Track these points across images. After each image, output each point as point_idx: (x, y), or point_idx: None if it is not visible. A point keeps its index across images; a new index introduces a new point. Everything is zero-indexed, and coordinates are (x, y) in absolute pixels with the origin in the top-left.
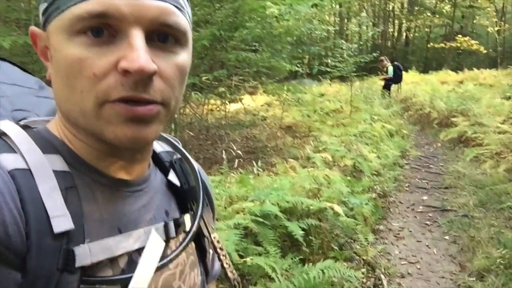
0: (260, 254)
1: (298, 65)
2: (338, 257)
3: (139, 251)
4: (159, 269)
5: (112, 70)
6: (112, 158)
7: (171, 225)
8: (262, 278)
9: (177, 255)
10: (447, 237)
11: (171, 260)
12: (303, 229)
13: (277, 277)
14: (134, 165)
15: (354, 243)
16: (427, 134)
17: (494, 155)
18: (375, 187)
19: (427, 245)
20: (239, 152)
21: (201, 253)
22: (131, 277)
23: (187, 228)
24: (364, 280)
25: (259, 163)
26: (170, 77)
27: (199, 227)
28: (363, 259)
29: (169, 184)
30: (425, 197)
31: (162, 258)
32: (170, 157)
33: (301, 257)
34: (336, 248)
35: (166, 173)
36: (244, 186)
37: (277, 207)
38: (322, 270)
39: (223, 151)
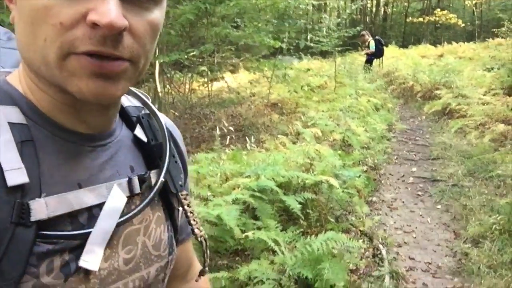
0: (259, 229)
1: (282, 40)
2: (336, 229)
3: (100, 206)
4: (121, 224)
5: (80, 22)
6: (74, 111)
7: (135, 181)
8: (265, 251)
9: (140, 211)
10: (439, 206)
11: (134, 215)
12: (300, 203)
13: (281, 250)
14: (98, 119)
15: (349, 215)
16: (411, 108)
17: (478, 125)
18: (366, 160)
19: (421, 215)
20: (231, 128)
21: (169, 210)
22: (90, 232)
23: (153, 184)
24: (363, 251)
25: (252, 139)
26: (141, 34)
27: (165, 183)
28: (360, 230)
29: (136, 139)
30: (414, 169)
31: (125, 213)
32: (138, 112)
33: (301, 230)
34: (332, 220)
35: (132, 128)
36: (238, 162)
37: (273, 182)
38: (325, 241)
39: (216, 128)
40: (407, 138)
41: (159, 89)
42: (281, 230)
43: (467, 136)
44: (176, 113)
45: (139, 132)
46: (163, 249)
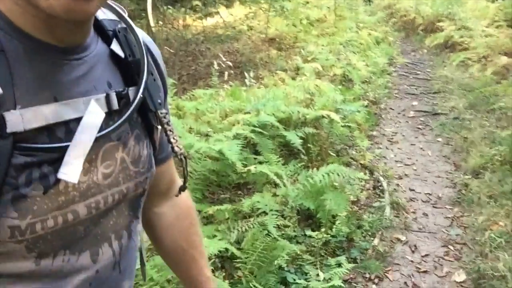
0: (261, 163)
1: None
2: (337, 163)
3: (78, 120)
4: (100, 139)
5: None
6: (47, 26)
7: (113, 96)
8: (267, 185)
9: (119, 126)
10: (440, 139)
11: (112, 131)
12: (300, 138)
13: (283, 183)
14: (72, 34)
15: (350, 149)
16: (413, 41)
17: (481, 58)
18: (367, 94)
19: (421, 148)
20: (229, 63)
21: (148, 128)
22: (68, 146)
23: (131, 99)
24: (363, 183)
25: (251, 74)
26: None
27: (144, 101)
28: (361, 164)
29: (113, 55)
30: (415, 103)
31: (103, 129)
32: (114, 26)
33: (302, 164)
34: (333, 154)
35: (109, 43)
36: (237, 99)
37: (274, 117)
38: (327, 174)
39: (214, 63)
40: (408, 72)
41: (152, 25)
42: (283, 164)
43: (469, 69)
44: (171, 50)
45: (115, 47)
46: (142, 166)
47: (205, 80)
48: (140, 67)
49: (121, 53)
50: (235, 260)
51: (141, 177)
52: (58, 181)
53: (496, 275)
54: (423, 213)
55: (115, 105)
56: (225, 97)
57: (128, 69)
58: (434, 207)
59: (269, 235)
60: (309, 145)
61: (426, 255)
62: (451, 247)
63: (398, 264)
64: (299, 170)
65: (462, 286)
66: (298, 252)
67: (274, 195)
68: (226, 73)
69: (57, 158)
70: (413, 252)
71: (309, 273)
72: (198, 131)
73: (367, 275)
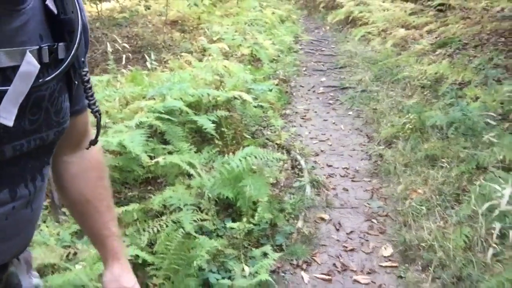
0: (171, 153)
1: None
2: (253, 145)
3: (14, 68)
4: (32, 89)
5: None
6: None
7: (45, 50)
8: (180, 176)
9: (52, 79)
10: (350, 113)
11: (46, 82)
12: (213, 122)
13: (197, 173)
14: None
15: (265, 130)
16: (315, 18)
17: (380, 32)
18: (276, 73)
19: (334, 123)
20: (125, 45)
21: (69, 83)
22: (6, 90)
23: (60, 56)
24: (281, 164)
25: (152, 56)
26: None
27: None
28: (277, 144)
29: (46, 9)
30: (323, 79)
31: (36, 79)
32: None
33: (217, 150)
34: (248, 137)
35: None
36: (138, 84)
37: (181, 102)
38: (244, 158)
39: (108, 45)
40: (313, 49)
41: None
42: (196, 152)
43: (370, 43)
44: None
45: (50, 2)
46: (62, 116)
47: (103, 67)
48: (72, 25)
49: (54, 10)
50: (148, 267)
51: (60, 126)
52: None
53: (422, 245)
54: (343, 188)
55: (46, 58)
56: (125, 83)
57: (59, 25)
58: (353, 181)
59: (186, 234)
60: (222, 129)
61: (351, 232)
62: (375, 221)
63: (324, 245)
64: (214, 157)
65: (390, 260)
66: (219, 248)
67: (188, 187)
68: (124, 56)
69: None
70: (337, 230)
71: (233, 269)
72: (94, 123)
73: (295, 262)
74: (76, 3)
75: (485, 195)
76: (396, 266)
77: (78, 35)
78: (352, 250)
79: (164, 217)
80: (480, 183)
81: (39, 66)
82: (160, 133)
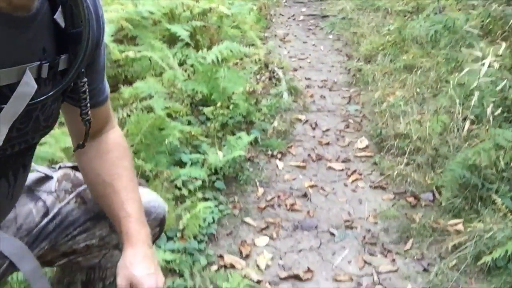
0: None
1: None
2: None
3: (10, 86)
4: (28, 106)
5: None
6: None
7: (45, 67)
8: (152, 70)
9: (47, 98)
10: (330, 36)
11: (40, 102)
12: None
13: (169, 66)
14: None
15: (242, 47)
16: None
17: None
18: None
19: (313, 44)
20: None
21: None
22: (1, 108)
23: (60, 68)
24: (259, 77)
25: None
26: None
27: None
28: (255, 59)
29: (54, 21)
30: (304, 9)
31: (32, 97)
32: None
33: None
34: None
35: (54, 8)
36: None
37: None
38: (220, 52)
39: None
40: None
41: None
42: (169, 47)
43: None
44: None
45: (59, 15)
46: (52, 121)
47: None
48: (79, 39)
49: (62, 24)
50: None
51: (47, 129)
52: None
53: (398, 133)
54: (320, 95)
55: (45, 74)
56: None
57: (65, 37)
58: (330, 90)
59: (157, 117)
60: (198, 37)
61: (327, 130)
62: (351, 121)
63: (300, 140)
64: (187, 53)
65: (365, 150)
66: (193, 133)
67: (160, 80)
68: None
69: None
70: (314, 129)
71: (206, 153)
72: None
73: (270, 152)
74: (88, 13)
75: (463, 84)
76: (371, 156)
77: (83, 51)
78: (327, 144)
79: (134, 104)
80: (458, 74)
81: (36, 86)
82: (131, 38)
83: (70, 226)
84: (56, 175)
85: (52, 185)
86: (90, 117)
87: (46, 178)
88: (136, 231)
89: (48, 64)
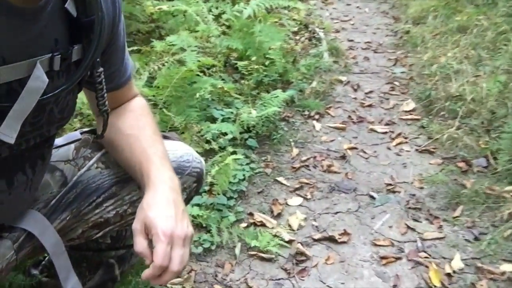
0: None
1: None
2: (269, 20)
3: (20, 81)
4: (39, 100)
5: None
6: None
7: (57, 59)
8: (186, 25)
9: (59, 92)
10: None
11: (53, 96)
12: None
13: (204, 19)
14: None
15: (282, 9)
16: None
17: None
18: None
19: (358, 7)
20: None
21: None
22: (11, 107)
23: (74, 59)
24: (298, 37)
25: None
26: None
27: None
28: (294, 19)
29: (65, 10)
30: None
31: (44, 91)
32: None
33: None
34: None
35: None
36: None
37: None
38: (257, 5)
39: None
40: None
41: None
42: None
43: None
44: None
45: (69, 5)
46: (67, 113)
47: None
48: (92, 28)
49: (74, 13)
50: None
51: (64, 121)
52: None
53: (449, 95)
54: (364, 57)
55: (57, 66)
56: None
57: (77, 26)
58: (375, 52)
59: (189, 70)
60: None
61: (370, 91)
62: (397, 83)
63: (340, 101)
64: (223, 6)
65: (411, 113)
66: (226, 88)
67: (194, 35)
68: None
69: None
70: (355, 90)
71: (239, 110)
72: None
73: (306, 113)
74: (102, 2)
75: None
76: (418, 119)
77: (97, 39)
78: (370, 106)
79: (166, 58)
80: None
81: (47, 81)
82: None
83: (93, 193)
84: (73, 143)
85: (69, 153)
86: (108, 108)
87: (61, 146)
88: (158, 172)
89: (60, 56)
